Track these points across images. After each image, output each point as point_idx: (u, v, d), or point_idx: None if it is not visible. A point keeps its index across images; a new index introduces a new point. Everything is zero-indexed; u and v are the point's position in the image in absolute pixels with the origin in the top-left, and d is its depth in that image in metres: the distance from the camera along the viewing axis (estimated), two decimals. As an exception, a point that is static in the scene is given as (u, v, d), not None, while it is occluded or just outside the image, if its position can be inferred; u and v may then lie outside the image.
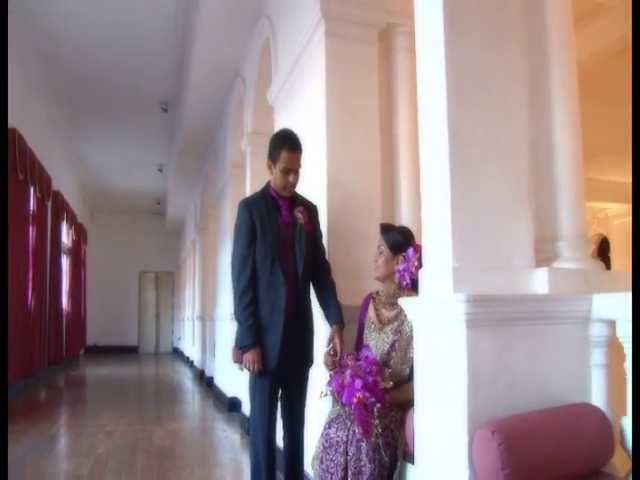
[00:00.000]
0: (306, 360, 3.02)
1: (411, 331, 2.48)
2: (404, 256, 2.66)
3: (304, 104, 3.97)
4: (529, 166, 2.24)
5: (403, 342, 2.60)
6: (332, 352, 2.82)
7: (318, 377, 3.01)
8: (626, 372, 2.00)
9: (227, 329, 7.20)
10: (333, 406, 2.67)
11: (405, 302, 2.33)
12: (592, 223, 12.03)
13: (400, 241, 2.71)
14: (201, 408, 7.89)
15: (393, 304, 2.70)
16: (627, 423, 1.98)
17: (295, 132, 3.07)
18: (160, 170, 13.13)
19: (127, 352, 17.55)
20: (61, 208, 11.78)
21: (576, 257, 2.28)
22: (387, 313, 2.74)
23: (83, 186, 14.98)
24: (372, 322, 2.75)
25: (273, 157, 2.97)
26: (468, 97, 2.13)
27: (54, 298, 11.05)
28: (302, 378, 3.05)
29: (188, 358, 14.08)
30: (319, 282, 3.08)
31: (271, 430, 2.92)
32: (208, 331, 9.89)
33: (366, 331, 2.76)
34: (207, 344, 9.85)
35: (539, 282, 2.14)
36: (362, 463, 2.29)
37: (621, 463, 2.03)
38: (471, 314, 1.91)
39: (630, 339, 1.98)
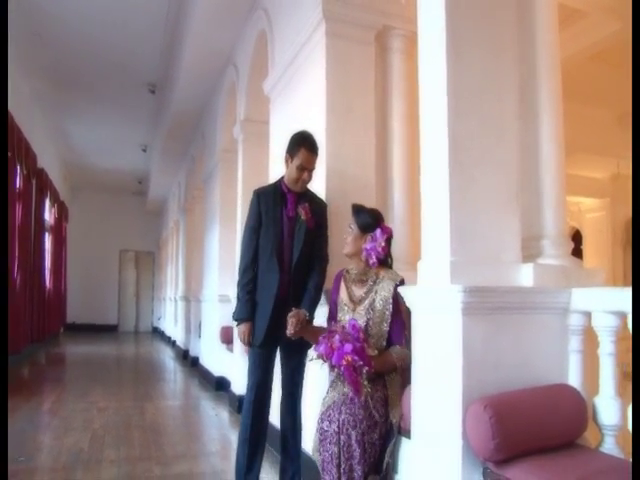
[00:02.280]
0: (300, 343, 3.16)
1: (383, 306, 2.74)
2: (372, 236, 2.83)
3: (303, 98, 4.15)
4: (518, 172, 2.48)
5: (377, 319, 2.75)
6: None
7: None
8: (599, 358, 2.28)
9: (214, 310, 7.40)
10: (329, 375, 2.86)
11: (405, 290, 2.56)
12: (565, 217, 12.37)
13: (369, 222, 2.88)
14: (188, 387, 8.09)
15: (363, 281, 2.87)
16: (599, 402, 2.26)
17: (312, 135, 3.29)
18: (144, 150, 13.15)
19: (107, 330, 17.64)
20: (45, 186, 11.78)
21: (558, 254, 2.54)
22: (358, 291, 2.87)
23: (65, 163, 14.91)
24: (345, 304, 2.89)
25: (292, 152, 3.19)
26: (466, 109, 2.36)
27: (38, 276, 11.11)
28: (297, 358, 3.25)
29: (170, 338, 14.22)
30: (310, 276, 3.23)
31: (258, 402, 3.19)
32: (193, 312, 10.06)
33: (339, 313, 2.90)
34: (192, 324, 10.03)
35: (525, 276, 2.40)
36: (353, 449, 2.52)
37: (593, 436, 2.31)
38: (466, 303, 2.15)
39: (605, 329, 2.26)
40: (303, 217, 3.17)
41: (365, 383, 2.51)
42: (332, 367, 2.56)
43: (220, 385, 7.05)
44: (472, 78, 2.41)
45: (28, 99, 9.79)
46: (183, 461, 4.13)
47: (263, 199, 3.24)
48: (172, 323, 13.71)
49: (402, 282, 2.78)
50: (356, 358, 2.43)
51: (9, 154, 8.19)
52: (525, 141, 2.57)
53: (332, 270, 3.21)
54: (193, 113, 9.20)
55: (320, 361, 2.59)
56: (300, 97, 4.21)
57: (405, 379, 2.71)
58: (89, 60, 8.60)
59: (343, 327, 2.60)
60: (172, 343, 13.54)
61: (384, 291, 2.77)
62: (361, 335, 2.54)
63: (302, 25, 4.07)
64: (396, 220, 3.72)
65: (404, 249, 3.66)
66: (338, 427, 2.55)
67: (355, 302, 2.86)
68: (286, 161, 3.23)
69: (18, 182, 9.16)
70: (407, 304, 2.55)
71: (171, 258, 14.75)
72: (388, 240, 2.86)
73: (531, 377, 2.28)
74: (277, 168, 4.70)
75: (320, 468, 2.60)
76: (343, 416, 2.55)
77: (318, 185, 3.59)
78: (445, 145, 2.31)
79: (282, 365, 3.32)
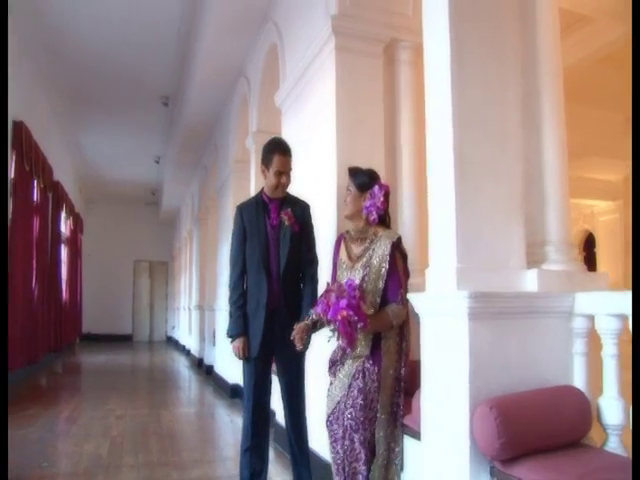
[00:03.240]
0: (300, 352, 3.11)
1: (379, 264, 2.73)
2: (370, 193, 2.85)
3: (313, 110, 4.26)
4: (522, 181, 2.57)
5: (373, 275, 2.74)
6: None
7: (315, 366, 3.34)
8: (603, 359, 2.36)
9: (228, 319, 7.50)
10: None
11: (413, 297, 2.65)
12: (578, 219, 12.32)
13: (366, 181, 2.90)
14: (203, 394, 8.20)
15: (362, 239, 2.88)
16: (603, 402, 2.33)
17: (285, 139, 3.40)
18: (157, 162, 13.34)
19: (121, 340, 17.81)
20: (61, 198, 11.97)
21: (562, 260, 2.62)
22: (356, 249, 2.88)
23: (79, 176, 15.13)
24: (343, 262, 2.91)
25: (266, 161, 3.27)
26: (470, 120, 2.46)
27: (54, 287, 11.28)
28: (293, 362, 3.26)
29: (184, 347, 14.36)
30: (303, 280, 3.33)
31: (256, 410, 3.23)
32: (207, 321, 10.18)
33: (339, 272, 2.91)
34: (206, 333, 10.14)
35: (530, 281, 2.48)
36: (357, 452, 2.61)
37: (597, 436, 2.38)
38: (472, 308, 2.25)
39: (608, 332, 2.33)
40: (287, 222, 3.23)
41: (359, 337, 2.59)
42: (329, 321, 2.56)
43: (235, 392, 7.14)
44: (476, 89, 2.51)
45: (45, 114, 9.99)
46: (200, 466, 4.22)
47: (246, 212, 3.33)
48: (186, 332, 13.84)
49: (399, 240, 2.80)
50: (351, 313, 2.45)
51: (27, 168, 8.36)
52: (528, 149, 2.66)
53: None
54: (205, 124, 9.34)
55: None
56: (311, 109, 4.32)
57: (402, 335, 2.74)
58: (104, 75, 8.79)
59: (340, 285, 2.60)
60: (186, 352, 13.66)
61: (381, 249, 2.77)
62: (357, 293, 2.54)
63: (312, 39, 4.18)
64: (405, 229, 3.80)
65: (413, 256, 3.74)
66: (343, 432, 2.64)
67: (353, 260, 2.88)
68: (262, 172, 3.32)
69: (35, 195, 9.31)
70: (415, 309, 2.64)
71: (185, 268, 14.90)
72: (386, 196, 2.88)
73: (537, 379, 2.36)
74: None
75: (333, 468, 2.70)
76: (346, 422, 2.63)
77: (329, 195, 3.69)
78: (450, 155, 2.41)
79: (279, 377, 3.34)
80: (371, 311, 2.64)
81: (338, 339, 2.58)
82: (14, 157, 7.87)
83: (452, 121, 2.42)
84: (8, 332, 7.30)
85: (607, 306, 2.33)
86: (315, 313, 2.69)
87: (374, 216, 2.84)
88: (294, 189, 3.54)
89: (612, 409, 2.30)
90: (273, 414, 4.97)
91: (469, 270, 2.38)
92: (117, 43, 7.75)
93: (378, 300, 2.73)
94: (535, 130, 2.69)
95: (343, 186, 3.69)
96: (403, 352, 2.74)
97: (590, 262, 12.47)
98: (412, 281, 2.93)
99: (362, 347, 2.69)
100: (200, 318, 11.13)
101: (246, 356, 3.23)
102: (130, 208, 18.68)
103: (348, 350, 2.66)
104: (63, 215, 12.82)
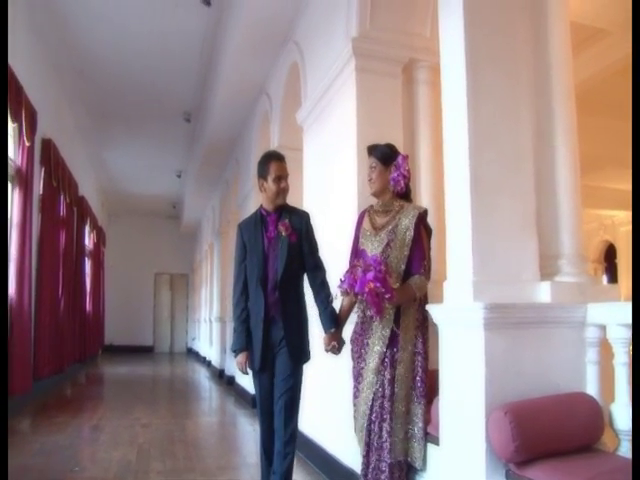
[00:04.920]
0: (294, 357, 3.23)
1: (405, 232, 2.86)
2: (395, 165, 2.96)
3: (334, 129, 4.42)
4: (535, 196, 2.71)
5: (398, 241, 2.86)
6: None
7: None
8: (614, 367, 2.47)
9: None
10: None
11: (432, 308, 2.78)
12: (599, 230, 12.30)
13: (388, 153, 3.01)
14: (225, 404, 8.34)
15: (387, 212, 2.98)
16: (615, 409, 2.44)
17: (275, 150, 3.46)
18: (179, 176, 13.61)
19: (143, 352, 18.01)
20: (85, 212, 12.25)
21: (574, 272, 2.74)
22: (381, 220, 2.98)
23: (103, 190, 15.44)
24: (367, 231, 3.01)
25: (263, 173, 3.31)
26: (485, 143, 2.62)
27: (79, 299, 11.54)
28: (290, 374, 3.22)
29: (205, 358, 14.53)
30: (313, 288, 3.34)
31: (265, 420, 3.32)
32: (228, 332, 10.33)
33: (362, 240, 3.02)
34: (227, 345, 10.29)
35: (543, 293, 2.61)
36: (383, 440, 2.78)
37: (610, 441, 2.49)
38: (488, 319, 2.38)
39: (619, 341, 2.44)
40: (284, 233, 3.24)
41: (387, 307, 2.72)
42: (356, 294, 2.69)
43: (256, 403, 7.25)
44: (490, 109, 2.67)
45: (71, 131, 10.28)
46: (225, 472, 4.35)
47: (245, 229, 3.40)
48: (207, 343, 14.00)
49: (426, 213, 2.95)
50: (378, 285, 2.56)
51: (54, 184, 8.62)
52: (541, 165, 2.79)
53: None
54: (227, 140, 9.54)
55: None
56: (331, 128, 4.48)
57: (422, 311, 2.89)
58: (128, 92, 9.06)
59: (365, 261, 2.71)
60: (207, 363, 13.82)
61: (407, 218, 2.88)
62: (382, 267, 2.64)
63: (333, 60, 4.34)
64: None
65: (432, 271, 3.86)
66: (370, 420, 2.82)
67: (377, 228, 2.96)
68: (261, 186, 3.34)
69: (62, 210, 9.56)
70: (434, 320, 2.77)
71: (205, 280, 15.09)
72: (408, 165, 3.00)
73: (550, 386, 2.48)
74: (311, 194, 4.99)
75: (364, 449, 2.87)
76: (375, 412, 2.81)
77: (350, 214, 3.82)
78: (466, 174, 2.56)
79: (276, 381, 3.28)
80: (397, 285, 2.76)
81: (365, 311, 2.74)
82: (43, 173, 8.14)
83: (468, 138, 2.57)
84: (36, 342, 7.56)
85: (618, 316, 2.44)
86: (341, 289, 2.76)
87: (401, 185, 2.95)
88: (315, 206, 3.67)
89: (624, 415, 2.40)
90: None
91: (485, 283, 2.51)
92: (141, 62, 8.01)
93: (403, 267, 2.86)
94: (548, 145, 2.81)
95: (365, 205, 3.85)
96: (423, 328, 2.89)
97: (611, 273, 12.44)
98: (431, 292, 3.06)
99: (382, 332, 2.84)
100: (221, 330, 11.28)
101: (248, 370, 3.30)
102: (151, 221, 18.97)
103: (376, 317, 2.78)
104: (87, 229, 13.11)
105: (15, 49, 6.20)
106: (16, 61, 6.16)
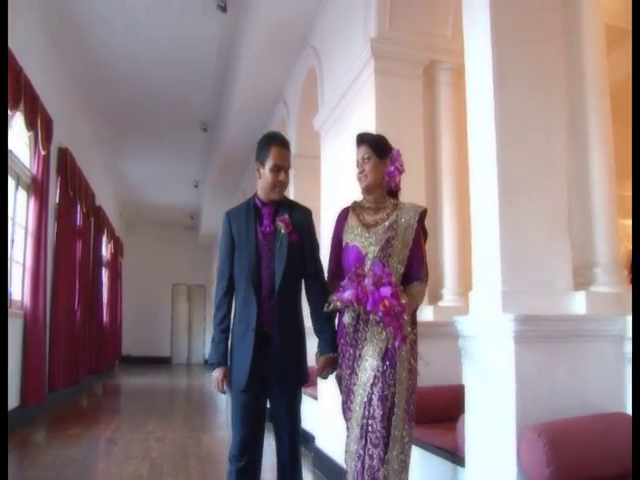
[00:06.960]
0: (295, 381, 2.74)
1: (406, 229, 2.51)
2: (391, 158, 2.64)
3: (353, 134, 4.23)
4: (568, 201, 2.53)
5: (399, 239, 2.52)
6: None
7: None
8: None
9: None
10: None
11: (458, 320, 2.61)
12: (623, 239, 12.07)
13: (385, 145, 2.68)
14: (241, 417, 8.17)
15: (378, 209, 2.63)
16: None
17: (280, 132, 2.97)
18: (196, 186, 13.59)
19: (160, 363, 17.94)
20: (102, 222, 12.26)
21: (611, 282, 2.55)
22: (371, 217, 2.62)
23: (120, 200, 15.49)
24: (355, 227, 2.62)
25: (261, 157, 2.72)
26: (514, 142, 2.45)
27: (96, 309, 11.50)
28: (288, 400, 2.74)
29: (222, 370, 14.36)
30: (311, 300, 2.79)
31: (242, 452, 2.79)
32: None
33: (349, 235, 2.62)
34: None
35: (578, 304, 2.43)
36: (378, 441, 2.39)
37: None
38: (518, 331, 2.21)
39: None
40: (283, 230, 2.68)
41: (409, 330, 2.34)
42: (368, 312, 2.32)
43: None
44: (519, 108, 2.50)
45: (88, 141, 10.28)
46: (240, 490, 4.19)
47: (234, 219, 2.78)
48: (224, 355, 13.84)
49: (425, 213, 2.62)
50: (394, 302, 2.21)
51: (71, 193, 8.60)
52: (575, 169, 2.61)
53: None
54: (244, 149, 9.44)
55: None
56: (350, 133, 4.33)
57: (414, 322, 2.53)
58: (144, 102, 9.06)
59: (369, 270, 2.36)
60: (224, 375, 13.65)
61: (407, 215, 2.56)
62: (392, 279, 2.30)
63: (351, 63, 4.22)
64: (446, 251, 3.77)
65: (455, 279, 3.71)
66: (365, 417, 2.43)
67: (368, 225, 2.59)
68: (257, 170, 2.75)
69: (78, 220, 9.54)
70: (459, 332, 2.59)
71: (223, 291, 14.94)
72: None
73: (587, 405, 2.29)
74: (328, 201, 4.85)
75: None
76: (378, 411, 2.38)
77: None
78: (494, 176, 2.40)
79: (272, 416, 2.79)
80: (405, 299, 2.34)
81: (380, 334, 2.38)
82: (59, 183, 8.11)
83: (495, 141, 2.40)
84: (51, 353, 7.49)
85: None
86: (341, 300, 2.36)
87: (396, 180, 2.65)
88: (334, 214, 3.51)
89: (667, 437, 2.22)
90: (312, 438, 4.94)
91: (515, 293, 2.34)
92: (157, 71, 8.00)
93: (402, 270, 2.51)
94: (581, 149, 2.64)
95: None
96: (414, 340, 2.52)
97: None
98: (452, 305, 2.89)
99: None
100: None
101: (225, 389, 2.74)
102: (169, 232, 18.96)
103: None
104: (104, 239, 13.11)
105: (31, 58, 6.18)
106: (32, 70, 6.13)
